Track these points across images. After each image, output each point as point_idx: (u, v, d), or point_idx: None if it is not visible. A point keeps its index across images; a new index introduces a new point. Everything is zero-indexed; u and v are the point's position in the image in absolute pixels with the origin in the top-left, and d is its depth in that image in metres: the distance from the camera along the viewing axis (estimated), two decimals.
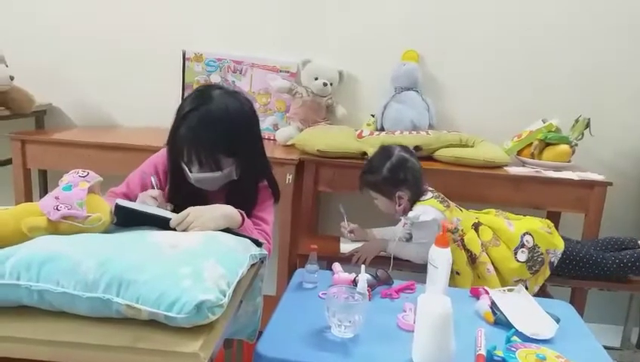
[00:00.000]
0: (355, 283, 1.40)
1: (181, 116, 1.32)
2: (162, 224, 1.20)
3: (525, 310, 1.35)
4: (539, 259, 1.81)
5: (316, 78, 2.37)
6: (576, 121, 2.24)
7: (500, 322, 1.30)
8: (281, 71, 2.45)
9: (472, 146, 2.18)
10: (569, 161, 2.20)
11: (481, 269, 1.79)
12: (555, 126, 2.21)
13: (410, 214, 1.86)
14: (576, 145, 2.21)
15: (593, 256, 1.84)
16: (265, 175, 1.48)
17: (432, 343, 1.07)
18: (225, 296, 0.96)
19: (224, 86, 1.63)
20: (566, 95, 2.40)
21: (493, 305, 1.35)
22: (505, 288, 1.47)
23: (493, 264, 1.80)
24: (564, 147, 2.18)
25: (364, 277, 1.32)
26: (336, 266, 1.52)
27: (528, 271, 1.80)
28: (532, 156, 2.18)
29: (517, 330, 1.24)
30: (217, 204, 1.29)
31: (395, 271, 1.73)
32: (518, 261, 1.79)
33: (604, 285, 1.86)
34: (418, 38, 2.42)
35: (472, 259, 1.81)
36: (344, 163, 2.12)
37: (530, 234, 1.82)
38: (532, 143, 2.20)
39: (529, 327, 1.25)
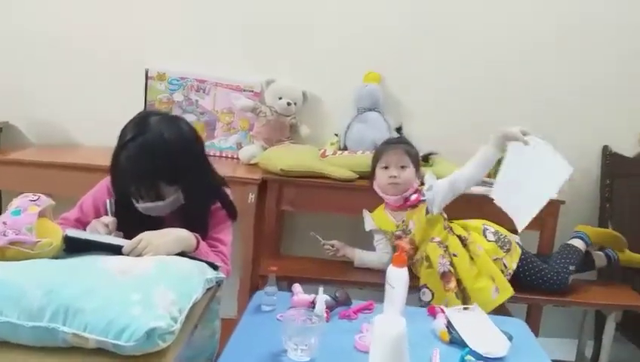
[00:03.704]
0: (313, 304, 1.40)
1: (120, 146, 1.30)
2: (114, 252, 1.18)
3: (480, 328, 1.38)
4: (506, 240, 1.93)
5: (280, 98, 2.39)
6: None
7: (455, 341, 1.33)
8: (244, 90, 2.46)
9: (430, 165, 2.22)
10: None
11: (472, 249, 1.87)
12: None
13: (425, 186, 1.95)
14: None
15: (542, 269, 1.92)
16: (216, 197, 1.47)
17: None
18: (176, 323, 0.95)
19: (163, 112, 1.64)
20: (528, 115, 2.45)
21: (449, 324, 1.38)
22: (461, 306, 1.50)
23: None
24: None
25: (322, 299, 1.33)
26: (296, 287, 1.52)
27: (500, 249, 1.90)
28: (489, 175, 2.23)
29: (471, 349, 1.26)
30: (170, 228, 1.28)
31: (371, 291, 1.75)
32: (489, 241, 1.91)
33: (558, 301, 1.91)
34: (380, 59, 2.47)
35: (463, 242, 1.89)
36: (307, 182, 2.13)
37: (487, 225, 1.98)
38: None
39: (483, 346, 1.27)
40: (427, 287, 1.84)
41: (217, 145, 2.51)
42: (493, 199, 1.93)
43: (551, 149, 1.83)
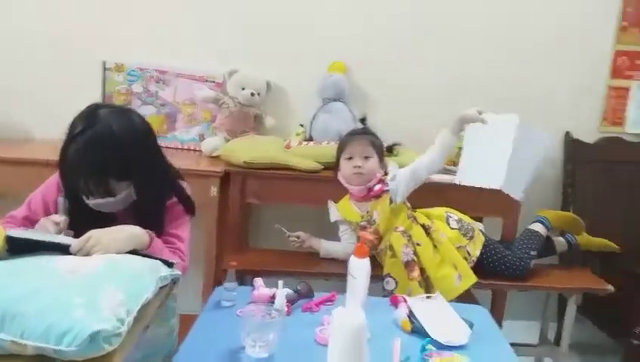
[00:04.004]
0: (274, 298, 1.38)
1: (68, 139, 1.25)
2: (62, 251, 1.13)
3: (441, 317, 1.38)
4: (469, 227, 1.95)
5: (243, 88, 2.34)
6: None
7: (417, 330, 1.33)
8: (207, 81, 2.40)
9: (395, 155, 2.22)
10: None
11: (435, 237, 1.88)
12: None
13: (389, 176, 1.95)
14: None
15: (505, 255, 1.95)
16: (172, 192, 1.43)
17: (346, 358, 1.07)
18: (123, 324, 0.92)
19: (113, 104, 1.57)
20: (492, 103, 2.43)
21: (411, 314, 1.37)
22: (424, 295, 1.50)
23: None
24: None
25: (282, 293, 1.31)
26: (257, 281, 1.50)
27: (464, 237, 1.92)
28: (454, 164, 2.24)
29: (432, 338, 1.26)
30: (122, 225, 1.23)
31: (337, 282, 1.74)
32: (452, 228, 1.92)
33: (521, 286, 1.94)
34: (345, 49, 2.44)
35: (427, 231, 1.89)
36: (271, 174, 2.10)
37: (450, 212, 2.00)
38: (455, 152, 2.26)
39: (444, 335, 1.28)
40: (391, 276, 1.84)
41: (179, 137, 2.46)
42: (458, 184, 1.93)
43: (498, 115, 1.85)
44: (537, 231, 2.07)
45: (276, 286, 1.45)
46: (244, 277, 2.03)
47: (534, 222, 2.14)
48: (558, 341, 2.22)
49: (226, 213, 2.15)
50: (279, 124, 2.44)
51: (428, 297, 1.49)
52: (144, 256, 1.19)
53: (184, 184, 1.51)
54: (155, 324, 1.23)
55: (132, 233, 1.21)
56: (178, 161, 2.24)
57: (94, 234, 1.15)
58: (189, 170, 2.05)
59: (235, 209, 2.10)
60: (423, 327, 1.31)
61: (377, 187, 1.95)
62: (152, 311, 1.09)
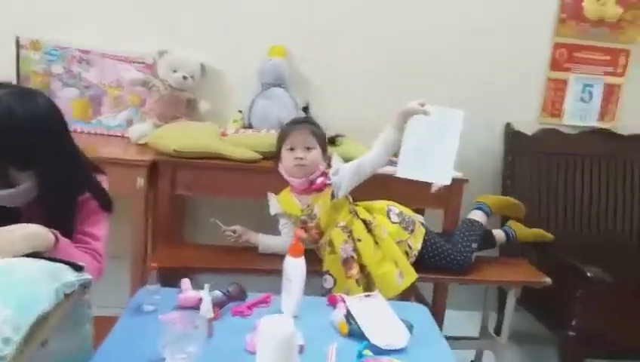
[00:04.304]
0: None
1: None
2: None
3: (380, 318, 1.31)
4: (410, 220, 1.90)
5: (175, 71, 2.17)
6: None
7: (354, 333, 1.25)
8: (134, 62, 2.22)
9: (338, 146, 2.13)
10: None
11: (377, 233, 1.81)
12: None
13: (332, 170, 1.87)
14: None
15: (445, 249, 1.91)
16: (85, 186, 1.27)
17: None
18: (8, 345, 0.78)
19: (15, 85, 1.39)
20: (434, 93, 2.39)
21: (349, 315, 1.29)
22: (362, 294, 1.43)
23: None
24: None
25: (207, 299, 1.19)
26: (184, 283, 1.37)
27: (405, 231, 1.86)
28: (395, 155, 2.18)
29: (369, 342, 1.18)
30: (20, 224, 1.07)
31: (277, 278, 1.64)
32: (393, 222, 1.86)
33: (461, 280, 1.91)
34: (286, 32, 2.32)
35: (368, 226, 1.82)
36: (205, 164, 1.96)
37: (391, 205, 1.93)
38: None
39: (382, 338, 1.20)
40: (329, 274, 1.76)
41: (105, 122, 2.26)
42: (399, 177, 1.87)
43: (442, 108, 1.81)
44: (477, 221, 2.05)
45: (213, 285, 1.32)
46: (176, 276, 1.88)
47: (474, 209, 2.12)
48: (498, 331, 2.23)
49: (157, 207, 1.99)
50: (215, 110, 2.30)
51: (367, 296, 1.41)
52: (48, 259, 1.04)
53: (102, 177, 1.35)
54: (62, 336, 1.09)
55: (28, 232, 1.06)
56: (103, 149, 2.11)
57: None
58: (113, 159, 1.91)
59: (165, 201, 1.95)
60: (360, 330, 1.23)
61: (319, 180, 1.86)
62: (53, 323, 0.95)
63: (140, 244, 1.95)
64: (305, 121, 1.98)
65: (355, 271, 1.70)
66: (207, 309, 1.17)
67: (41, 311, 0.89)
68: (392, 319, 1.30)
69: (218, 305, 1.28)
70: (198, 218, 2.37)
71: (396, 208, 1.92)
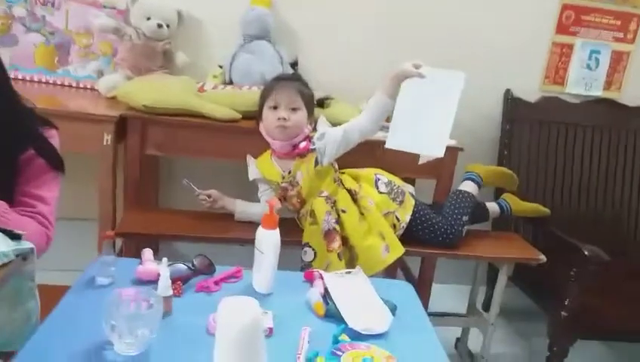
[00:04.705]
0: None
1: None
2: None
3: (360, 297, 1.19)
4: (399, 191, 1.77)
5: (148, 18, 1.98)
6: None
7: (332, 315, 1.13)
8: (105, 7, 2.01)
9: (326, 107, 1.97)
10: None
11: (363, 203, 1.68)
12: None
13: (317, 135, 1.71)
14: None
15: (435, 222, 1.78)
16: (27, 141, 1.12)
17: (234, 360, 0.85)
18: None
19: None
20: (430, 56, 2.23)
21: (326, 294, 1.17)
22: (343, 271, 1.30)
23: None
24: None
25: (166, 273, 1.05)
26: (146, 253, 1.23)
27: (393, 202, 1.73)
28: (388, 119, 2.02)
29: (347, 326, 1.06)
30: None
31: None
32: (380, 192, 1.73)
33: (451, 255, 1.79)
34: None
35: (353, 197, 1.69)
36: (178, 121, 1.79)
37: (380, 174, 1.79)
38: None
39: (362, 321, 1.08)
40: (309, 246, 1.63)
41: (73, 73, 2.07)
42: (389, 148, 1.72)
43: (439, 70, 1.62)
44: (468, 193, 1.91)
45: (187, 253, 1.18)
46: (143, 245, 1.75)
47: (464, 179, 1.98)
48: (486, 306, 2.14)
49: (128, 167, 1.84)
50: (193, 64, 2.12)
51: (348, 272, 1.29)
52: None
53: (51, 132, 1.19)
54: (6, 310, 0.96)
55: None
56: (70, 102, 1.94)
57: None
58: (78, 114, 1.75)
59: (134, 162, 1.79)
60: (338, 311, 1.11)
61: (303, 144, 1.70)
62: None
63: (107, 207, 1.80)
64: (292, 78, 1.80)
65: (337, 244, 1.58)
66: (164, 286, 1.04)
67: None
68: (373, 299, 1.18)
69: (182, 279, 1.15)
70: (174, 182, 2.22)
71: (385, 177, 1.78)
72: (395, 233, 1.68)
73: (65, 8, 2.01)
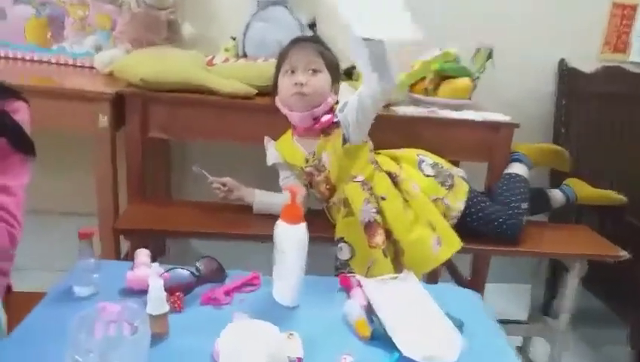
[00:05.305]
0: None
1: None
2: None
3: (416, 314, 0.91)
4: (447, 174, 1.50)
5: None
6: (478, 50, 1.84)
7: (379, 337, 0.85)
8: None
9: (355, 79, 1.69)
10: (469, 99, 1.80)
11: (405, 187, 1.42)
12: (453, 55, 1.77)
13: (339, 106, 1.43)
14: (478, 78, 1.81)
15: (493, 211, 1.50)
16: None
17: None
18: None
19: None
20: (467, 20, 1.98)
21: (369, 309, 0.90)
22: (387, 276, 1.02)
23: None
24: (465, 81, 1.75)
25: (157, 284, 0.78)
26: (139, 254, 0.97)
27: (441, 186, 1.47)
28: (426, 92, 1.74)
29: (402, 356, 0.79)
30: None
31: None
32: (426, 175, 1.48)
33: (510, 252, 1.50)
34: None
35: (393, 180, 1.42)
36: (184, 99, 1.53)
37: (423, 155, 1.53)
38: (426, 77, 1.76)
39: (421, 348, 0.80)
40: (345, 241, 1.35)
41: (69, 50, 1.83)
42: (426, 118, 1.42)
43: None
44: (520, 175, 1.62)
45: (193, 254, 0.92)
46: (153, 241, 1.52)
47: (511, 161, 1.68)
48: (546, 309, 1.84)
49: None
50: (202, 36, 1.87)
51: (394, 278, 1.01)
52: None
53: (17, 104, 0.94)
54: None
55: None
56: (65, 81, 1.70)
57: None
58: (67, 91, 1.53)
59: (135, 146, 1.53)
60: (387, 334, 0.83)
61: (326, 117, 1.42)
62: None
63: (106, 199, 1.56)
64: (310, 40, 1.52)
65: (380, 238, 1.30)
66: (156, 300, 0.77)
67: None
68: (434, 315, 0.90)
69: (183, 289, 0.89)
70: (187, 170, 1.97)
71: (429, 158, 1.51)
72: (447, 223, 1.40)
73: None
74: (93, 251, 0.90)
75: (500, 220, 1.47)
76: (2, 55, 1.82)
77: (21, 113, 0.94)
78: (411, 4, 1.23)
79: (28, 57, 1.82)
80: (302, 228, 0.89)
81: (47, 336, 0.78)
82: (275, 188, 1.58)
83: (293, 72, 1.40)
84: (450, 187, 1.46)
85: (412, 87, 1.78)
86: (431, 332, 0.84)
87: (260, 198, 1.54)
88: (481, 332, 0.90)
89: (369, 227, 1.32)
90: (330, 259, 1.39)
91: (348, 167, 1.41)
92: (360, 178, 1.38)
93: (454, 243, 1.36)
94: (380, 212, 1.34)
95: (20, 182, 0.92)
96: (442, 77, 1.75)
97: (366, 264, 1.29)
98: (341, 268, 1.33)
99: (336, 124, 1.40)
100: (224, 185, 1.52)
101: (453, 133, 1.65)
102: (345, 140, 1.39)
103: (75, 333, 0.65)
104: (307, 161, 1.46)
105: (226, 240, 1.51)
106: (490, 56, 1.80)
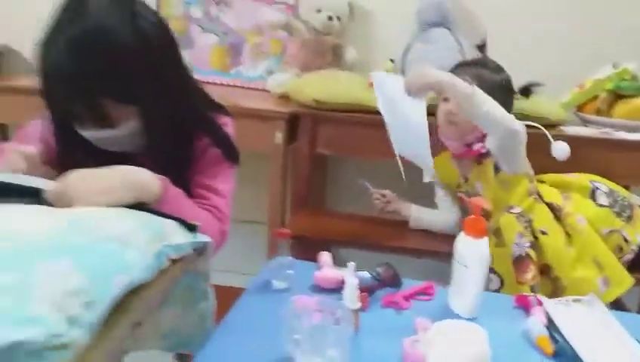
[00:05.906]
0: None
1: (45, 41, 0.85)
2: (33, 197, 0.76)
3: (599, 335, 0.88)
4: (625, 203, 1.38)
5: (319, 11, 1.87)
6: None
7: (563, 353, 0.84)
8: (275, 2, 1.96)
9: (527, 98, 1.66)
10: None
11: (569, 222, 1.34)
12: (630, 72, 1.67)
13: None
14: None
15: None
16: (202, 128, 1.02)
17: None
18: (74, 327, 0.53)
19: None
20: None
21: (551, 326, 0.89)
22: (569, 298, 1.00)
23: None
24: None
25: (352, 282, 0.87)
26: (323, 257, 1.07)
27: (617, 217, 1.36)
28: (598, 112, 1.66)
29: None
30: (125, 166, 0.83)
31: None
32: (600, 205, 1.37)
33: None
34: None
35: (556, 214, 1.35)
36: (350, 118, 1.64)
37: (598, 182, 1.42)
38: (598, 96, 1.67)
39: None
40: (494, 272, 1.32)
41: (244, 73, 2.06)
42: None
43: None
44: None
45: (354, 261, 0.99)
46: (312, 250, 1.63)
47: None
48: None
49: (297, 167, 1.74)
50: (363, 59, 1.96)
51: (576, 300, 0.98)
52: (154, 213, 0.80)
53: (225, 119, 1.09)
54: (168, 314, 0.87)
55: (132, 178, 0.82)
56: (241, 101, 1.90)
57: (74, 178, 0.77)
58: (247, 110, 1.69)
59: (303, 161, 1.67)
60: (573, 351, 0.82)
61: (477, 146, 1.40)
62: (151, 298, 0.71)
63: (277, 209, 1.72)
64: (471, 63, 1.51)
65: (530, 274, 1.25)
66: (352, 296, 0.86)
67: (130, 280, 0.64)
68: (620, 338, 0.87)
69: (366, 290, 0.96)
70: (341, 183, 2.09)
71: (604, 185, 1.41)
72: (621, 258, 1.31)
73: (237, 6, 2.00)
74: (288, 249, 1.01)
75: None
76: None
77: (229, 127, 1.09)
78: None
79: (210, 80, 2.08)
80: (484, 242, 0.91)
81: (258, 318, 0.91)
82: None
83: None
84: (629, 218, 1.36)
85: (582, 106, 1.71)
86: (617, 354, 0.81)
87: (418, 214, 1.58)
88: None
89: (519, 261, 1.27)
90: None
91: (503, 197, 1.36)
92: (517, 210, 1.34)
93: (625, 281, 1.27)
94: (536, 246, 1.29)
95: (228, 187, 1.06)
96: (617, 96, 1.65)
97: None
98: None
99: (485, 155, 1.39)
100: (384, 196, 1.59)
101: (627, 156, 1.54)
102: (497, 170, 1.37)
103: (291, 318, 0.75)
104: (459, 186, 1.47)
105: (381, 252, 1.57)
106: None
